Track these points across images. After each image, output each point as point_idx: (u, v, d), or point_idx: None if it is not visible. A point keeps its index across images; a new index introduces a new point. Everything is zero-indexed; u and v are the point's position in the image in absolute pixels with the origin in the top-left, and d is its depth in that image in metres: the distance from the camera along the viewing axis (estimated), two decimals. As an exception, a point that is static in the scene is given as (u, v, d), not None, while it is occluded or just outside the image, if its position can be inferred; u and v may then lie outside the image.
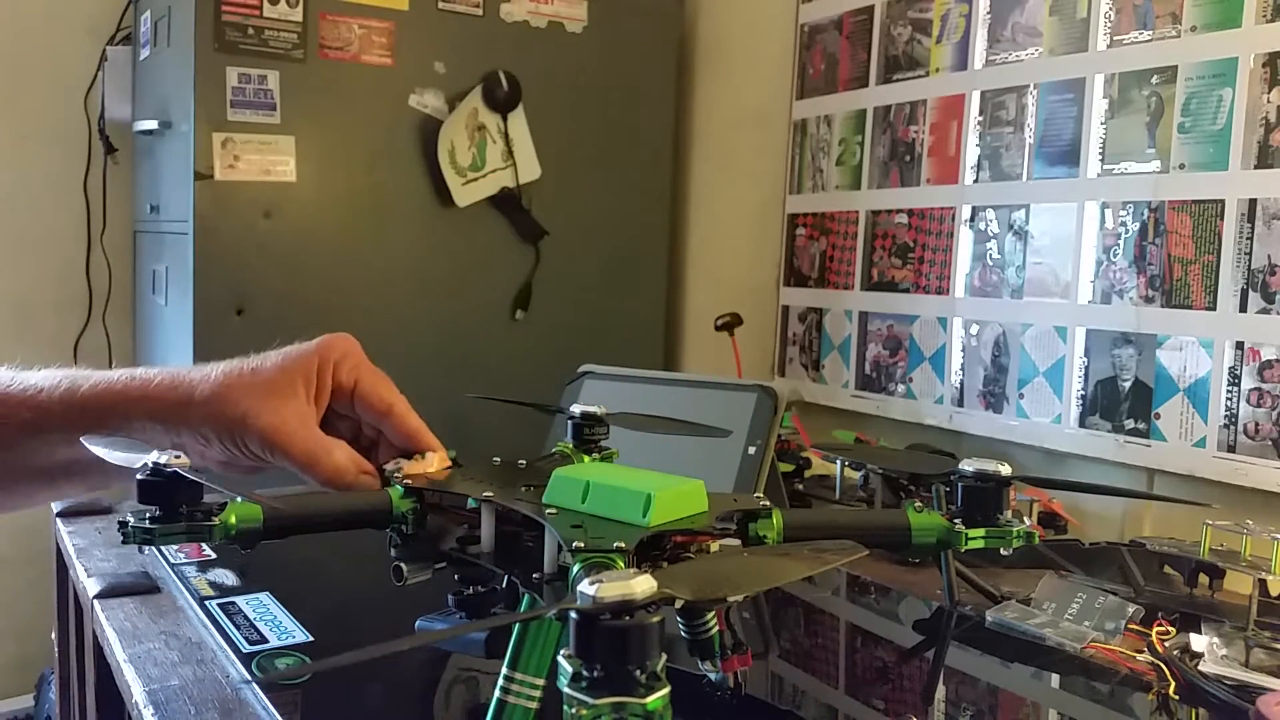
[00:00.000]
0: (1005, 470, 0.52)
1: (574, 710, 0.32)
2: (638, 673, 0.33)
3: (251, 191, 1.63)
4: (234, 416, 0.58)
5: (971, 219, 1.48)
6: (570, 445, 0.63)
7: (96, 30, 2.14)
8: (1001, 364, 1.43)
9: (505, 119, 1.82)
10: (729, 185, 2.03)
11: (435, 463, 0.60)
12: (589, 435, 0.64)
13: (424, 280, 1.80)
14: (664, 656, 0.34)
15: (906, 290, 1.58)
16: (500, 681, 0.47)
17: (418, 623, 0.56)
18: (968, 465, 0.53)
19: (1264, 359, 1.15)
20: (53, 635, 1.24)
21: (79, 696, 1.09)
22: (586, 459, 0.62)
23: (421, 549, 0.55)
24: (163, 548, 0.96)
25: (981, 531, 0.52)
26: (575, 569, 0.43)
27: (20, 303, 2.16)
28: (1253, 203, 1.16)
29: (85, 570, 0.96)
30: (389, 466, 0.60)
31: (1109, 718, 0.76)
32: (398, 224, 1.77)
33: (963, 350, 1.49)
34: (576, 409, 0.64)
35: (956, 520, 0.52)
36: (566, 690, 0.33)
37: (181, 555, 0.96)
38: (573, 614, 0.33)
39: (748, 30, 1.97)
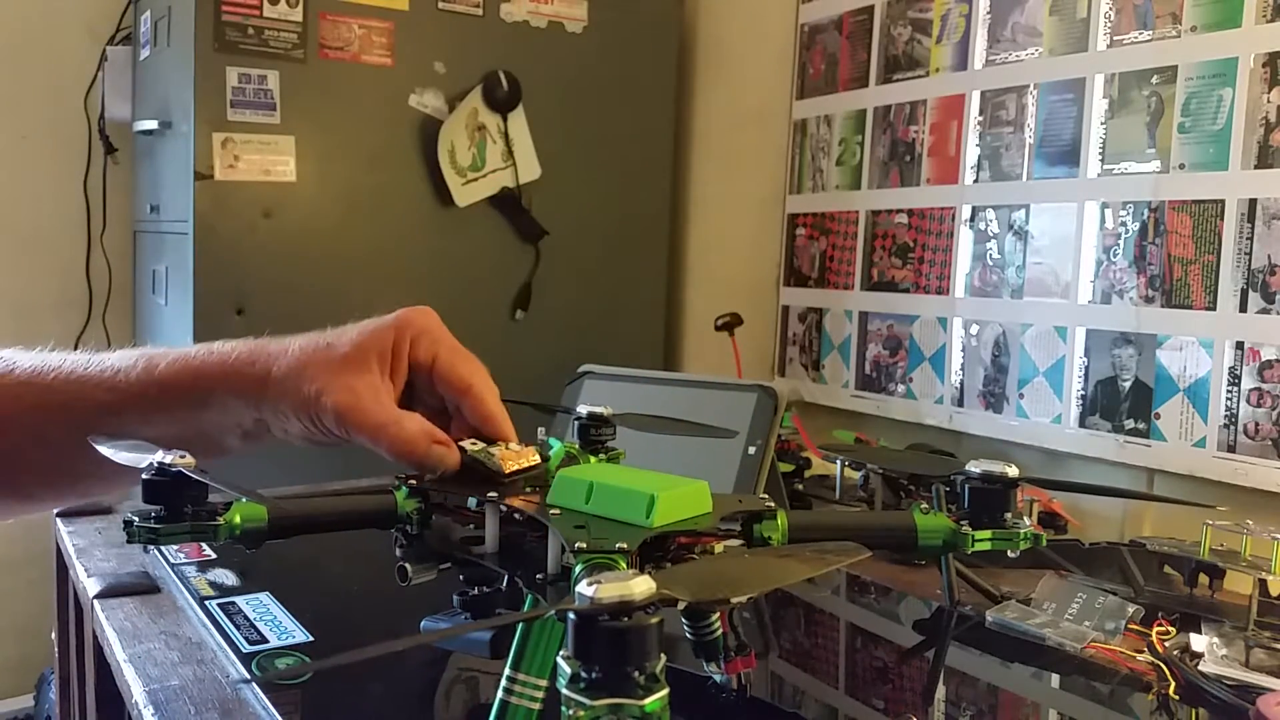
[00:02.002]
0: (1013, 471, 0.52)
1: (572, 712, 0.32)
2: (636, 674, 0.33)
3: (251, 191, 1.63)
4: (309, 395, 0.57)
5: (971, 219, 1.48)
6: (576, 445, 0.63)
7: (96, 30, 2.14)
8: (1001, 364, 1.44)
9: (505, 119, 1.82)
10: (729, 185, 2.03)
11: (525, 457, 0.56)
12: (595, 436, 0.64)
13: (424, 280, 1.80)
14: (663, 658, 0.34)
15: (906, 290, 1.58)
16: (503, 682, 0.47)
17: (423, 623, 0.56)
18: (974, 466, 0.53)
19: (1264, 359, 1.15)
20: (53, 635, 1.24)
21: (79, 696, 1.10)
22: (593, 459, 0.62)
23: (426, 549, 0.55)
24: (163, 547, 0.96)
25: (988, 533, 0.51)
26: (578, 570, 0.43)
27: (20, 303, 2.16)
28: (1253, 203, 1.16)
29: (85, 570, 0.96)
30: (471, 447, 0.57)
31: (1109, 718, 0.76)
32: (398, 224, 1.77)
33: (963, 350, 1.49)
34: (583, 409, 0.64)
35: (963, 522, 0.52)
36: (565, 691, 0.33)
37: (182, 555, 0.96)
38: (571, 615, 0.33)
39: (748, 30, 1.97)
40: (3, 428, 0.61)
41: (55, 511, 1.13)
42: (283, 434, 0.60)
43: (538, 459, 0.57)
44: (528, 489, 0.54)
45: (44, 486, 0.66)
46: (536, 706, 0.46)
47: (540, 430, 0.63)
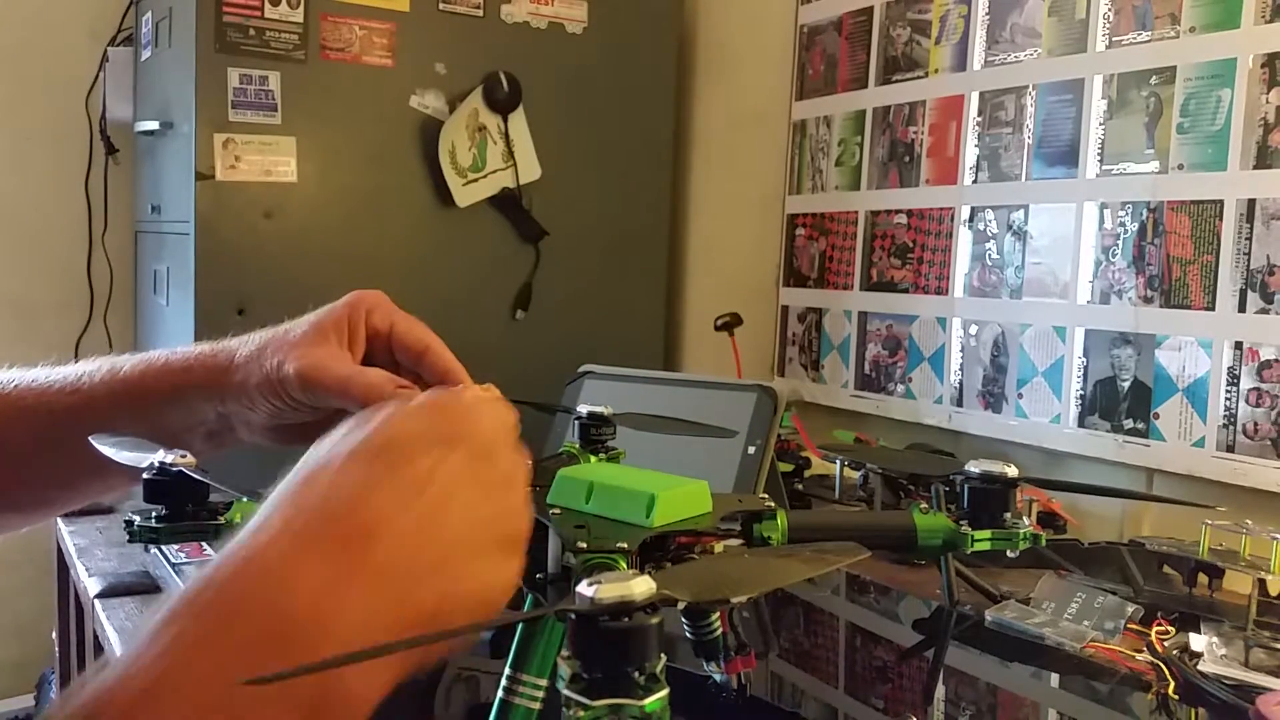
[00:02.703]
0: (1012, 472, 0.52)
1: (572, 712, 0.33)
2: (636, 674, 0.33)
3: (252, 192, 1.63)
4: (270, 368, 0.58)
5: (970, 219, 1.48)
6: (577, 445, 0.63)
7: (97, 31, 2.14)
8: (1000, 364, 1.44)
9: (506, 120, 1.82)
10: (729, 185, 2.04)
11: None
12: (596, 435, 0.64)
13: (424, 280, 1.80)
14: (663, 658, 0.34)
15: (906, 290, 1.58)
16: (503, 682, 0.47)
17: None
18: (974, 466, 0.53)
19: (1263, 359, 1.15)
20: (53, 635, 1.24)
21: (81, 696, 1.09)
22: (593, 459, 0.62)
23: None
24: (164, 547, 0.96)
25: (987, 533, 0.52)
26: (578, 569, 0.43)
27: (21, 303, 2.16)
28: (1251, 203, 1.16)
29: (86, 570, 0.96)
30: None
31: (1108, 717, 0.76)
32: (398, 224, 1.78)
33: (962, 350, 1.50)
34: (584, 409, 0.64)
35: (962, 522, 0.52)
36: (565, 691, 0.33)
37: (182, 555, 0.96)
38: (571, 615, 0.33)
39: (747, 31, 1.97)
40: None
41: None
42: (246, 429, 0.61)
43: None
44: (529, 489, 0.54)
45: (6, 498, 0.66)
46: (537, 706, 0.46)
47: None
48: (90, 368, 0.63)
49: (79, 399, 0.61)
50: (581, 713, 0.32)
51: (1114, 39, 1.30)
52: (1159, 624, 0.86)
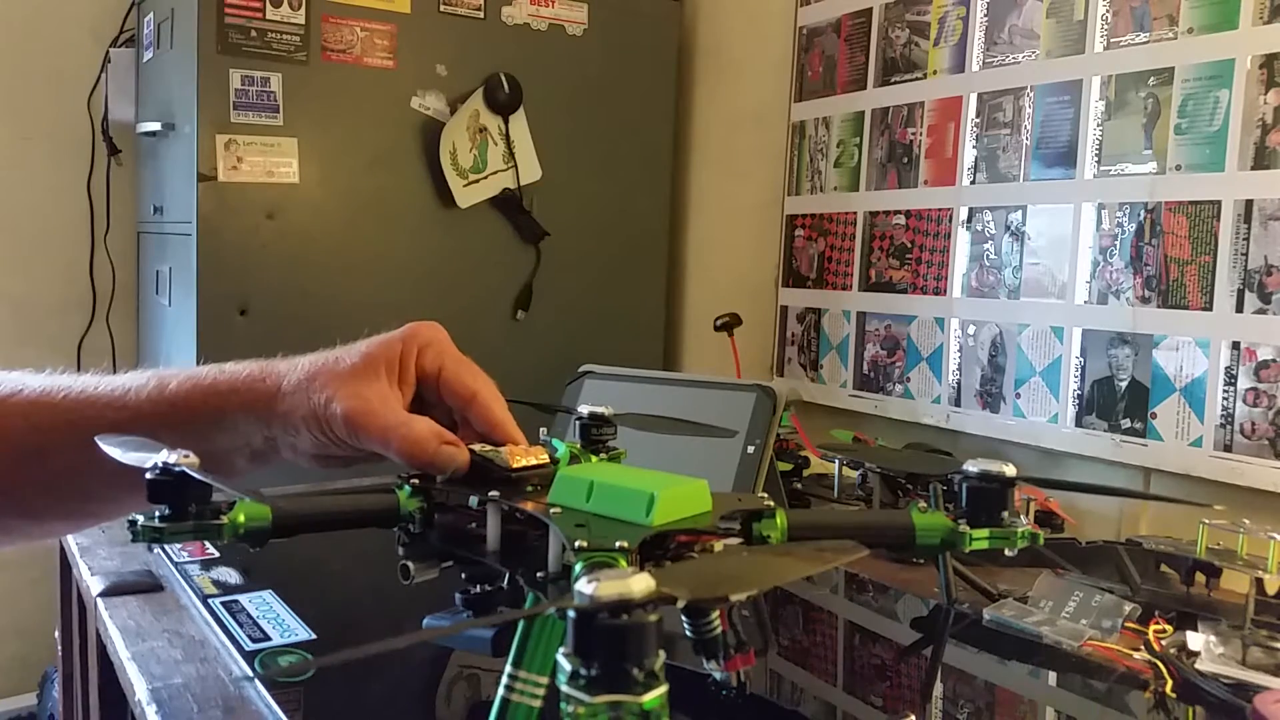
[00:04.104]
0: (1010, 471, 0.52)
1: (571, 708, 0.33)
2: (635, 671, 0.33)
3: (254, 193, 1.64)
4: (318, 403, 0.58)
5: (969, 220, 1.49)
6: (578, 445, 0.64)
7: (99, 32, 2.15)
8: (998, 364, 1.44)
9: (506, 121, 1.83)
10: (728, 186, 2.04)
11: (534, 455, 0.57)
12: (596, 435, 0.64)
13: (426, 281, 1.81)
14: (662, 655, 0.34)
15: (904, 291, 1.59)
16: (504, 679, 0.47)
17: (425, 621, 0.57)
18: (972, 466, 0.53)
19: (1260, 359, 1.16)
20: (56, 634, 1.24)
21: (82, 695, 1.10)
22: (594, 459, 0.62)
23: (428, 548, 0.55)
24: (166, 546, 0.97)
25: (985, 532, 0.52)
26: (578, 568, 0.44)
27: (24, 303, 2.16)
28: (1249, 203, 1.17)
29: (88, 569, 0.97)
30: (484, 450, 0.57)
31: (1106, 715, 0.77)
32: (400, 225, 1.78)
33: (960, 350, 1.50)
34: (584, 409, 0.64)
35: (960, 521, 0.52)
36: (564, 688, 0.33)
37: (185, 554, 0.97)
38: (571, 612, 0.34)
39: (747, 33, 1.98)
40: (9, 446, 0.62)
41: None
42: (291, 452, 0.61)
43: (546, 458, 0.57)
44: (530, 487, 0.55)
45: (51, 507, 0.66)
46: (537, 704, 0.46)
47: (542, 430, 0.64)
48: (137, 381, 0.62)
49: (126, 414, 0.60)
50: (580, 709, 0.33)
51: (1112, 40, 1.31)
52: (1156, 622, 0.87)
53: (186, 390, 0.61)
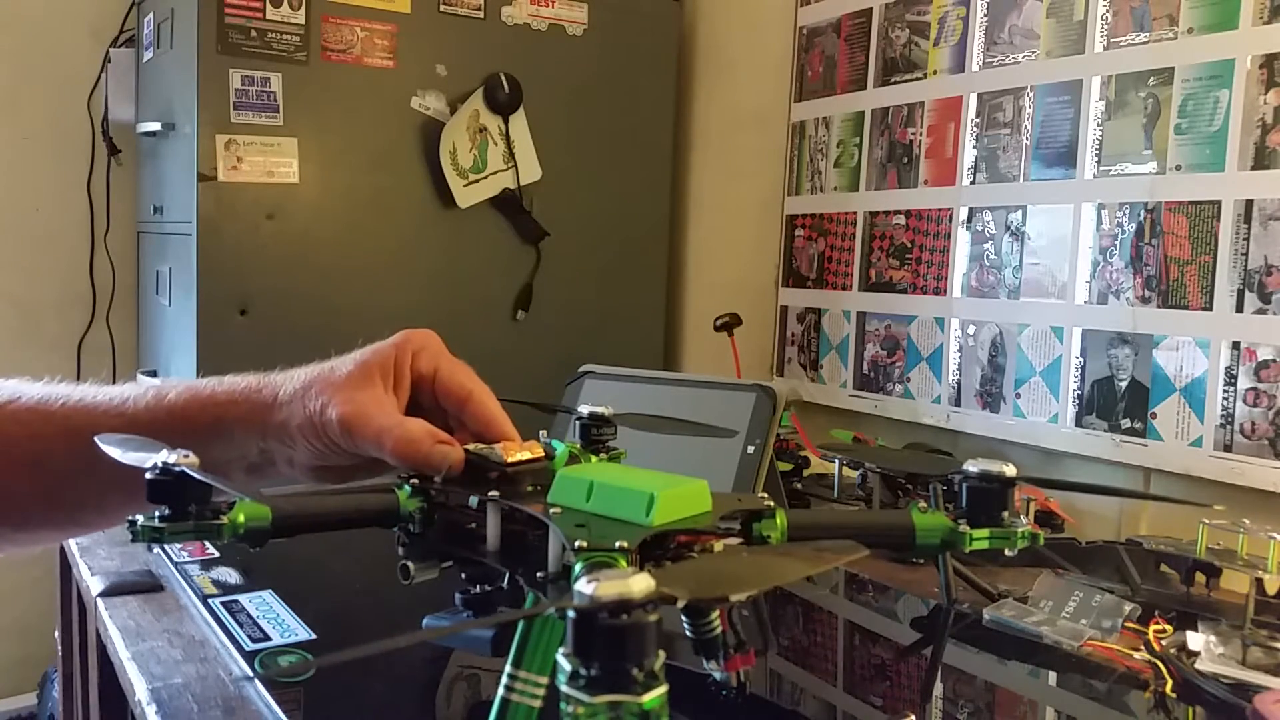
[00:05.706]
0: (1010, 471, 0.52)
1: (571, 708, 0.33)
2: (635, 671, 0.33)
3: (254, 193, 1.64)
4: (314, 410, 0.58)
5: (969, 220, 1.49)
6: (578, 445, 0.64)
7: (99, 32, 2.15)
8: (998, 364, 1.44)
9: (506, 121, 1.83)
10: (728, 186, 2.04)
11: (528, 450, 0.57)
12: (596, 435, 0.64)
13: (426, 281, 1.81)
14: (662, 655, 0.34)
15: (904, 291, 1.59)
16: (504, 679, 0.47)
17: (425, 621, 0.57)
18: (972, 466, 0.53)
19: (1260, 359, 1.16)
20: (56, 634, 1.24)
21: (82, 695, 1.10)
22: (594, 459, 0.62)
23: (428, 548, 0.55)
24: (166, 546, 0.97)
25: (986, 532, 0.52)
26: (578, 568, 0.44)
27: (24, 303, 2.16)
28: (1249, 203, 1.17)
29: (88, 569, 0.97)
30: (478, 447, 0.58)
31: (1106, 715, 0.77)
32: (400, 225, 1.78)
33: (960, 350, 1.50)
34: (584, 409, 0.64)
35: (960, 521, 0.52)
36: (564, 688, 0.33)
37: (185, 554, 0.97)
38: (571, 612, 0.34)
39: (746, 33, 1.98)
40: (6, 453, 0.62)
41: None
42: (288, 466, 0.61)
43: (541, 452, 0.58)
44: (530, 487, 0.55)
45: (43, 515, 0.66)
46: (537, 704, 0.46)
47: (542, 433, 0.64)
48: (135, 391, 0.62)
49: (123, 421, 0.61)
50: (580, 709, 0.33)
51: (1112, 40, 1.31)
52: (1156, 622, 0.87)
53: (184, 400, 0.61)
